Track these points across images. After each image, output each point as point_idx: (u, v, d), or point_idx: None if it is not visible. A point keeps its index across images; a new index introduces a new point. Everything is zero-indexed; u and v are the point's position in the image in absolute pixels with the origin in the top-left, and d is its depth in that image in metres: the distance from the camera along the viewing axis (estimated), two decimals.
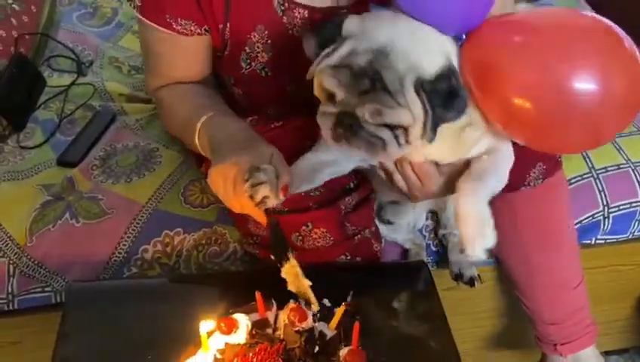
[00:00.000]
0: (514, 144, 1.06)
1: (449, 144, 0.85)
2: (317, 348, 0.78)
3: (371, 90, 0.76)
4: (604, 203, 1.25)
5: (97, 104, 1.41)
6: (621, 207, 1.26)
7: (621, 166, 1.29)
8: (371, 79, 0.76)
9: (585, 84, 0.72)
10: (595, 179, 1.26)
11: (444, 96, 0.77)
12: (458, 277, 1.19)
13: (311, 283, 0.83)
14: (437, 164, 0.91)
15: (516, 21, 0.81)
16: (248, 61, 0.99)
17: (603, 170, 1.27)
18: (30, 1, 1.57)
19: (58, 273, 1.12)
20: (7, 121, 1.33)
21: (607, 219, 1.26)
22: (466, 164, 0.88)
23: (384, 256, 1.13)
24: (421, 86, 0.76)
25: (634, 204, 1.27)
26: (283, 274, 0.84)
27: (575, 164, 1.26)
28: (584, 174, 1.26)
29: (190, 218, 1.15)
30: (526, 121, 0.77)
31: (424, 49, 0.79)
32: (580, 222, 1.24)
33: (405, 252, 1.22)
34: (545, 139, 0.81)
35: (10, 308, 1.12)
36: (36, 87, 1.42)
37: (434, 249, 1.24)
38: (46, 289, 1.13)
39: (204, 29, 0.97)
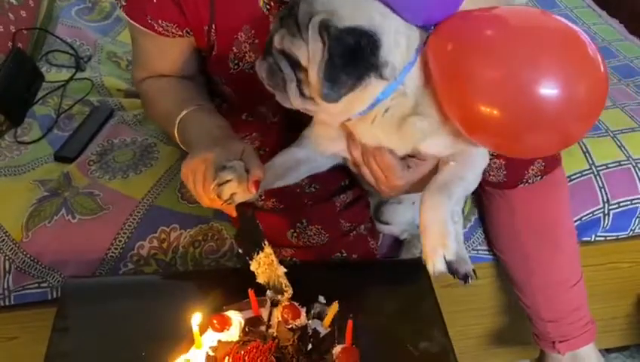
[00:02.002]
0: None
1: (393, 130, 0.83)
2: (310, 346, 0.78)
3: (287, 17, 0.78)
4: (605, 199, 1.24)
5: (95, 99, 1.41)
6: (621, 204, 1.25)
7: (622, 162, 1.27)
8: (291, 9, 0.78)
9: (549, 89, 0.70)
10: (595, 176, 1.25)
11: (346, 50, 0.74)
12: (453, 273, 1.17)
13: (285, 270, 0.84)
14: (404, 159, 0.88)
15: (485, 18, 0.78)
16: (236, 61, 1.00)
17: (603, 167, 1.26)
18: None
19: (54, 269, 1.12)
20: (5, 116, 1.33)
21: (607, 216, 1.25)
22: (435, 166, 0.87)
23: (380, 250, 1.13)
24: (326, 29, 0.75)
25: (634, 201, 1.26)
26: (252, 267, 0.84)
27: (575, 160, 1.25)
28: (584, 171, 1.25)
29: (187, 214, 1.15)
30: (488, 124, 0.74)
31: (355, 8, 0.77)
32: (580, 218, 1.24)
33: (399, 242, 1.20)
34: (508, 144, 0.78)
35: (6, 303, 1.12)
36: (34, 82, 1.42)
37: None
38: (42, 284, 1.13)
39: (186, 31, 0.98)
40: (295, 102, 0.81)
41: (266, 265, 0.84)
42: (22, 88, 1.38)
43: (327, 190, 1.00)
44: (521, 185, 1.06)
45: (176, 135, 0.96)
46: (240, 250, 0.85)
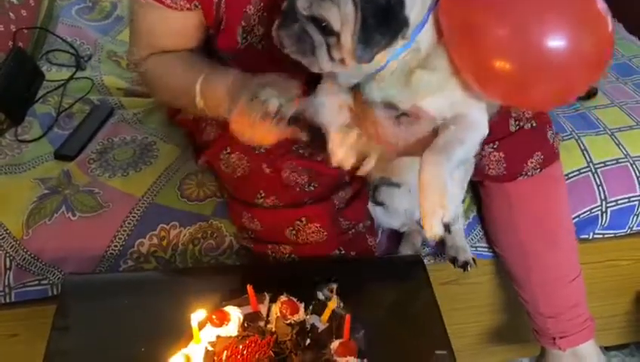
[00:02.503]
0: (511, 134, 1.06)
1: (401, 85, 0.84)
2: (308, 341, 0.78)
3: None
4: (602, 197, 1.25)
5: (95, 98, 1.41)
6: (619, 202, 1.26)
7: (620, 160, 1.28)
8: None
9: (557, 42, 0.74)
10: (593, 174, 1.26)
11: (379, 10, 0.76)
12: (453, 261, 1.18)
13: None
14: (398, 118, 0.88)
15: None
16: (244, 35, 0.98)
17: (601, 165, 1.27)
18: None
19: (54, 266, 1.12)
20: (6, 115, 1.33)
21: (605, 214, 1.26)
22: (435, 130, 0.87)
23: (378, 247, 1.13)
24: None
25: (632, 199, 1.26)
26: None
27: (573, 158, 1.26)
28: (582, 168, 1.26)
29: (186, 212, 1.15)
30: (498, 77, 0.78)
31: None
32: (578, 216, 1.24)
33: (398, 237, 1.21)
34: (517, 95, 0.82)
35: (7, 300, 1.13)
36: (34, 81, 1.42)
37: (432, 242, 1.24)
38: (42, 282, 1.13)
39: (194, 4, 0.95)
40: (325, 66, 0.82)
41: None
42: (22, 87, 1.38)
43: (327, 188, 1.00)
44: (521, 178, 1.07)
45: (199, 103, 0.93)
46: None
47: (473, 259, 1.17)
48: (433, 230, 0.78)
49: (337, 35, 0.78)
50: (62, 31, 1.58)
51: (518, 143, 1.03)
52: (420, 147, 0.85)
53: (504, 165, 1.07)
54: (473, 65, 0.80)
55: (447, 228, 0.78)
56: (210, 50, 1.05)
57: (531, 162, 1.06)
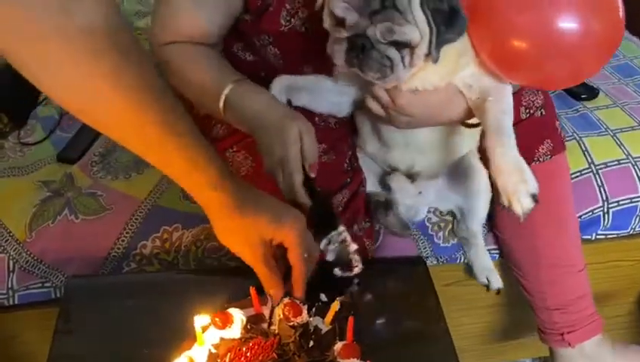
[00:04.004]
0: (522, 121, 1.08)
1: (437, 69, 0.88)
2: (311, 343, 0.78)
3: (382, 10, 0.81)
4: (604, 198, 1.25)
5: None
6: (621, 203, 1.26)
7: (621, 161, 1.28)
8: (381, 3, 0.81)
9: (570, 24, 0.80)
10: (594, 175, 1.26)
11: (446, 15, 0.82)
12: (486, 286, 1.21)
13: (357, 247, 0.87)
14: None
15: None
16: (288, 18, 0.97)
17: (603, 166, 1.27)
18: None
19: (57, 268, 1.12)
20: (8, 118, 1.34)
21: (607, 215, 1.26)
22: (450, 93, 0.92)
23: (380, 251, 1.13)
24: (426, 3, 0.81)
25: (634, 200, 1.26)
26: (322, 246, 0.85)
27: (575, 159, 1.26)
28: (583, 170, 1.26)
29: (189, 213, 1.15)
30: (514, 56, 0.84)
31: None
32: (580, 217, 1.24)
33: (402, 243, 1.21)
34: (530, 73, 0.87)
35: (10, 303, 1.13)
36: None
37: (441, 244, 1.23)
38: (45, 284, 1.13)
39: None
40: (403, 78, 0.87)
41: (337, 243, 0.84)
42: (25, 90, 1.38)
43: (328, 191, 1.00)
44: (533, 164, 1.09)
45: (221, 111, 0.93)
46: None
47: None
48: (524, 207, 0.83)
49: (413, 47, 0.83)
50: None
51: (529, 130, 1.05)
52: (434, 116, 0.92)
53: None
54: (490, 45, 0.86)
55: (534, 198, 0.83)
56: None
57: (542, 148, 1.09)
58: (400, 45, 0.83)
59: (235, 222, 0.77)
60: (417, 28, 0.81)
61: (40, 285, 1.13)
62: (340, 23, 0.84)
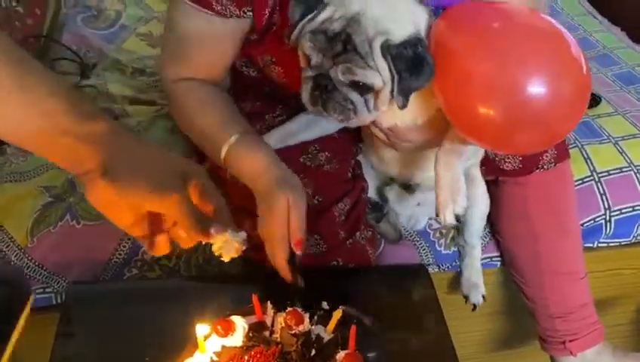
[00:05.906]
0: None
1: (416, 107, 0.89)
2: (313, 352, 0.78)
3: (343, 53, 0.81)
4: (606, 206, 1.25)
5: (100, 106, 1.41)
6: (623, 211, 1.26)
7: (623, 169, 1.28)
8: (343, 43, 0.81)
9: (537, 87, 0.75)
10: (596, 183, 1.26)
11: (409, 62, 0.80)
12: (465, 297, 1.22)
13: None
14: None
15: (487, 11, 0.83)
16: None
17: (605, 174, 1.27)
18: (34, 4, 1.58)
19: (58, 274, 1.12)
20: None
21: (609, 223, 1.26)
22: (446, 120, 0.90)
23: (381, 259, 1.13)
24: (387, 50, 0.80)
25: (636, 208, 1.26)
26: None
27: (577, 166, 1.26)
28: (585, 178, 1.26)
29: None
30: (482, 124, 0.79)
31: (394, 16, 0.82)
32: (582, 225, 1.24)
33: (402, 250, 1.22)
34: (498, 140, 0.83)
35: None
36: None
37: (443, 251, 1.24)
38: (47, 290, 1.13)
39: (243, 11, 0.94)
40: (366, 120, 0.89)
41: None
42: None
43: (328, 200, 1.00)
44: (537, 171, 1.10)
45: (222, 159, 0.95)
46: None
47: (483, 296, 1.20)
48: (446, 220, 0.88)
49: (377, 91, 0.83)
50: (67, 39, 1.59)
51: None
52: (436, 140, 0.92)
53: (519, 158, 1.09)
54: (458, 111, 0.83)
55: (457, 218, 0.89)
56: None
57: (546, 156, 1.10)
58: (363, 89, 0.83)
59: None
60: (379, 73, 0.81)
61: (41, 291, 1.13)
62: (309, 61, 0.85)
